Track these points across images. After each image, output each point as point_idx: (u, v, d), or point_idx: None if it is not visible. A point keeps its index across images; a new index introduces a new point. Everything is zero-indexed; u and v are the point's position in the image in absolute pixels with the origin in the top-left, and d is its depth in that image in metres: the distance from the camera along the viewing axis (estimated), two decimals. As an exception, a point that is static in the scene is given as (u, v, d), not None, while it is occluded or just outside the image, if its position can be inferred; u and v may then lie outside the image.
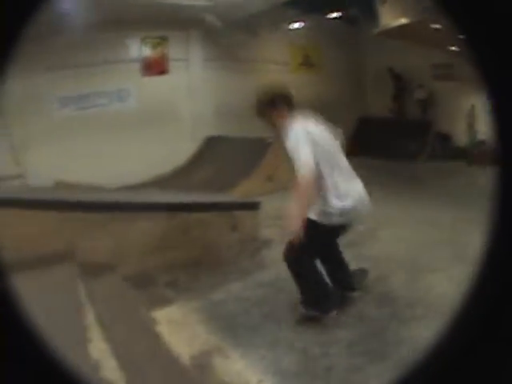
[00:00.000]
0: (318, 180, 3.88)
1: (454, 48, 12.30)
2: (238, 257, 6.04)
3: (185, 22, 12.12)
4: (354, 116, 16.15)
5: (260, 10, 11.89)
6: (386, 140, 14.37)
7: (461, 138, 13.80)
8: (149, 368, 3.10)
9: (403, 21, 10.42)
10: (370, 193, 4.21)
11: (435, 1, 1.33)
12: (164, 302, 4.68)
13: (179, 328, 4.09)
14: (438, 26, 10.23)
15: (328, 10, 13.97)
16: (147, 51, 12.25)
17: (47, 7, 1.58)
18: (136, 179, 10.68)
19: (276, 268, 5.47)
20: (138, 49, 12.19)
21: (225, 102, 13.05)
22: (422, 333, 3.75)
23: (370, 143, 14.19)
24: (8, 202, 5.10)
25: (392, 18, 10.77)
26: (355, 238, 6.11)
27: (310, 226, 3.87)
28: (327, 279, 4.48)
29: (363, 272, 4.97)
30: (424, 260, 5.64)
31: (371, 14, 11.64)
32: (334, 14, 14.25)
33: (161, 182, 11.03)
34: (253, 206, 6.55)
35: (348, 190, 4.03)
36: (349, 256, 4.86)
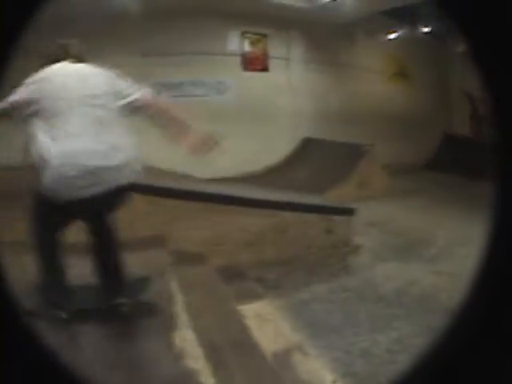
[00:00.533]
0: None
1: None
2: (328, 260, 6.12)
3: (285, 22, 12.10)
4: (438, 132, 15.83)
5: (358, 17, 11.98)
6: (467, 159, 13.97)
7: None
8: (233, 360, 3.10)
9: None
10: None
11: (437, 4, 1.36)
12: (252, 296, 4.72)
13: (264, 323, 4.14)
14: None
15: (420, 23, 13.99)
16: (247, 46, 12.28)
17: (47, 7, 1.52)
18: (226, 173, 10.63)
19: (363, 275, 5.61)
20: (238, 43, 12.21)
21: (322, 106, 13.02)
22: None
23: (452, 160, 13.81)
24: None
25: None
26: (435, 253, 6.30)
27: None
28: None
29: (145, 280, 4.06)
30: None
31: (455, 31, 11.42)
32: (426, 29, 14.21)
33: (251, 180, 10.97)
34: (349, 212, 6.55)
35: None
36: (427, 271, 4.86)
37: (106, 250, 3.54)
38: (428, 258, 6.59)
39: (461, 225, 7.41)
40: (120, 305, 3.47)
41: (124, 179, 3.27)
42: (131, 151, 3.30)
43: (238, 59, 12.35)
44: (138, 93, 3.42)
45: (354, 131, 12.41)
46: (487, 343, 1.20)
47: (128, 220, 4.92)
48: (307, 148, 12.35)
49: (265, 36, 12.50)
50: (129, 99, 3.38)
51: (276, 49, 12.76)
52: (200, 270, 4.86)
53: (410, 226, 8.18)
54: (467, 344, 1.22)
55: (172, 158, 10.24)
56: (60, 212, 3.24)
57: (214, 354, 3.10)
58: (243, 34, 12.24)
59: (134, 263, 4.14)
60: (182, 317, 3.56)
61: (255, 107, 12.12)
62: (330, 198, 8.60)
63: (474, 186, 12.08)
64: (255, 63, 12.45)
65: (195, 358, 3.01)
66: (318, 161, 11.30)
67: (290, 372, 3.40)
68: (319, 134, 12.31)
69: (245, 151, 11.43)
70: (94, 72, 3.43)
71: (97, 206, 3.33)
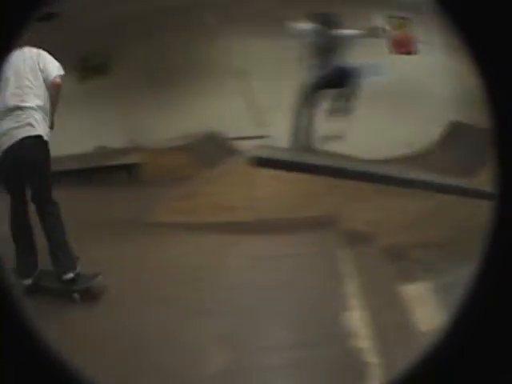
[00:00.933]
0: None
1: None
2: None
3: (426, 4, 11.70)
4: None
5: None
6: None
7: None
8: (395, 341, 3.29)
9: None
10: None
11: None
12: (411, 277, 4.77)
13: (421, 305, 4.17)
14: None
15: None
16: (395, 30, 12.29)
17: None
18: (379, 156, 10.59)
19: None
20: (382, 26, 12.10)
21: (469, 88, 12.43)
22: None
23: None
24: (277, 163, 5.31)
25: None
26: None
27: None
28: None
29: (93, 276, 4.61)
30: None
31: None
32: None
33: (404, 162, 10.95)
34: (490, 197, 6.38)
35: None
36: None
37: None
38: None
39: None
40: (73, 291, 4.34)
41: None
42: None
43: (382, 42, 12.18)
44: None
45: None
46: (486, 344, 1.21)
47: (303, 200, 5.30)
48: (457, 132, 12.13)
49: (409, 20, 12.38)
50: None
51: (422, 33, 12.31)
52: (366, 250, 5.06)
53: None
54: (465, 345, 1.24)
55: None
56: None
57: (379, 334, 3.32)
58: (389, 17, 12.21)
59: (304, 241, 4.70)
60: (352, 298, 3.81)
61: (402, 90, 12.03)
62: (476, 183, 8.48)
63: None
64: (402, 46, 12.43)
65: (362, 338, 3.25)
66: (466, 145, 11.08)
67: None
68: (467, 118, 11.95)
69: (396, 134, 11.48)
70: None
71: None
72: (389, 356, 3.07)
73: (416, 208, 5.88)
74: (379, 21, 12.03)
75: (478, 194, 6.54)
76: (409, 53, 12.36)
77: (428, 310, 4.14)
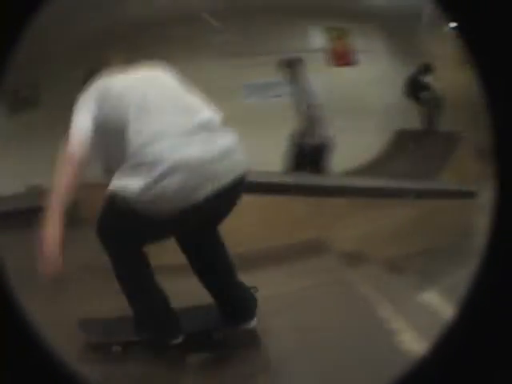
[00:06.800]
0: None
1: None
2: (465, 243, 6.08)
3: (368, 15, 12.16)
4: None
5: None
6: None
7: None
8: None
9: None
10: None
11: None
12: (422, 286, 4.68)
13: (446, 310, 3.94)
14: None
15: None
16: (332, 42, 12.38)
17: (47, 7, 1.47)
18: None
19: None
20: (322, 39, 12.35)
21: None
22: None
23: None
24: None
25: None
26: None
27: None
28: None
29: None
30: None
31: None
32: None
33: (352, 175, 11.15)
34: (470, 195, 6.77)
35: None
36: None
37: (211, 270, 3.23)
38: None
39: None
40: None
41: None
42: None
43: (320, 55, 12.32)
44: None
45: (445, 119, 12.33)
46: (485, 345, 1.23)
47: (286, 225, 5.05)
48: (403, 139, 12.33)
49: (347, 30, 12.53)
50: None
51: (361, 42, 12.75)
52: (369, 268, 4.92)
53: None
54: (465, 346, 1.25)
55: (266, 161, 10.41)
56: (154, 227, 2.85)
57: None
58: (327, 29, 12.37)
59: (306, 270, 4.41)
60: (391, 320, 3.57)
61: (346, 102, 12.04)
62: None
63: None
64: (340, 58, 12.52)
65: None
66: (415, 151, 11.39)
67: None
68: (413, 124, 12.34)
69: (340, 147, 11.28)
70: None
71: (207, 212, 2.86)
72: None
73: (403, 216, 5.88)
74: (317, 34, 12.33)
75: (458, 194, 6.71)
76: (348, 64, 12.45)
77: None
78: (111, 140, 2.86)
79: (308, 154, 7.90)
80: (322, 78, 11.95)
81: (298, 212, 5.18)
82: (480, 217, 6.67)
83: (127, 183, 2.68)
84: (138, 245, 2.97)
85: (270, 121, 11.03)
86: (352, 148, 11.48)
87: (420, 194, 6.29)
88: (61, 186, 2.76)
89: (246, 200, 5.01)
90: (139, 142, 2.69)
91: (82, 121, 2.88)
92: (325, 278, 4.32)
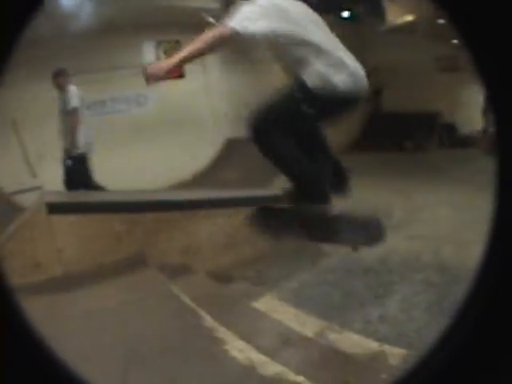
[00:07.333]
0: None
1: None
2: (302, 247, 6.23)
3: (198, 26, 12.13)
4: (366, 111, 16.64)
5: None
6: (395, 134, 14.75)
7: (465, 126, 14.23)
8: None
9: (410, 18, 10.83)
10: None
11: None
12: (254, 294, 4.76)
13: (280, 316, 4.17)
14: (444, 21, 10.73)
15: (338, 9, 14.40)
16: (163, 55, 12.27)
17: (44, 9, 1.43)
18: (157, 185, 10.65)
19: (339, 253, 5.89)
20: (154, 53, 12.29)
21: (241, 104, 13.13)
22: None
23: (381, 138, 14.62)
24: (70, 206, 5.17)
25: (398, 15, 11.18)
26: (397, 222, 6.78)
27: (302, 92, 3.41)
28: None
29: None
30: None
31: (377, 13, 12.13)
32: (345, 14, 14.63)
33: (181, 187, 11.10)
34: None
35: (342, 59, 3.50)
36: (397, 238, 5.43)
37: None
38: (393, 228, 6.98)
39: (411, 194, 8.09)
40: None
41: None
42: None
43: None
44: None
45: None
46: (487, 343, 1.19)
47: (108, 243, 4.94)
48: (232, 148, 12.47)
49: (178, 42, 12.36)
50: None
51: None
52: (195, 279, 4.91)
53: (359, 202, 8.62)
54: (467, 344, 1.21)
55: (102, 178, 10.21)
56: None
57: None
58: (159, 43, 12.34)
59: (131, 285, 4.37)
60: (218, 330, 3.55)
61: (176, 115, 12.18)
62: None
63: (409, 158, 12.99)
64: (171, 71, 12.26)
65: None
66: (245, 159, 11.39)
67: (338, 349, 3.57)
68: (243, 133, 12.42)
69: (172, 160, 11.51)
70: None
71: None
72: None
73: (226, 227, 5.84)
74: (149, 49, 12.25)
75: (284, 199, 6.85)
76: (178, 77, 12.43)
77: (293, 317, 4.19)
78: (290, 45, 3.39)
79: (75, 167, 7.46)
80: (154, 92, 12.04)
81: (115, 228, 5.07)
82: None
83: (332, 77, 3.38)
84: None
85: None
86: (182, 160, 11.75)
87: (249, 202, 6.18)
88: (199, 43, 3.20)
89: (69, 220, 4.88)
90: (329, 48, 3.44)
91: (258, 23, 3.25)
92: (150, 291, 4.27)
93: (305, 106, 3.38)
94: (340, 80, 3.37)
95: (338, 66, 3.42)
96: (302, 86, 3.39)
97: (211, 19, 12.18)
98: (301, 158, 3.60)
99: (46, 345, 1.28)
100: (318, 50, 3.41)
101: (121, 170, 10.47)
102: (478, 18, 1.16)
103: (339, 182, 3.95)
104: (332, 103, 3.45)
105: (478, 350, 1.18)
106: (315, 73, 3.39)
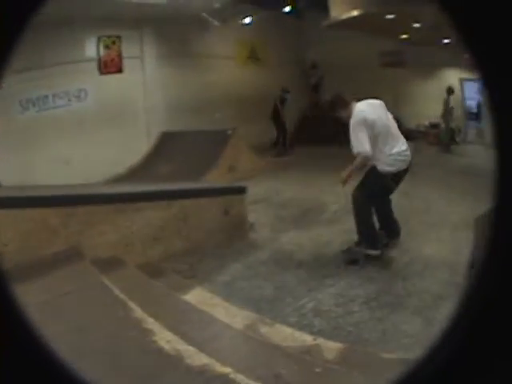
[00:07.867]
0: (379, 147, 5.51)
1: (404, 36, 13.00)
2: (232, 240, 6.41)
3: (138, 20, 12.24)
4: (302, 107, 16.79)
5: (213, 6, 12.29)
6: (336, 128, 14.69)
7: (408, 120, 14.36)
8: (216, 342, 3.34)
9: (355, 13, 10.89)
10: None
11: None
12: (184, 287, 4.76)
13: (213, 308, 4.18)
14: (391, 16, 10.85)
15: (280, 4, 14.57)
16: (103, 50, 12.23)
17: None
18: (97, 179, 10.72)
19: (271, 247, 6.20)
20: (95, 48, 12.17)
21: (178, 98, 13.35)
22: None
23: (321, 133, 14.59)
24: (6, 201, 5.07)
25: (343, 11, 11.24)
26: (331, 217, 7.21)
27: (377, 175, 5.57)
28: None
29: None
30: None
31: (320, 8, 12.19)
32: (287, 9, 14.78)
33: (118, 181, 11.09)
34: (241, 191, 6.95)
35: (396, 145, 5.60)
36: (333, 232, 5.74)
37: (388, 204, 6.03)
38: (327, 222, 7.18)
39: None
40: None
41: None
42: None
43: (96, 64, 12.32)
44: None
45: (214, 118, 13.24)
46: (486, 344, 1.13)
47: (42, 236, 4.83)
48: (168, 141, 12.51)
49: (119, 38, 12.48)
50: None
51: (131, 49, 12.81)
52: (125, 272, 4.88)
53: (293, 198, 8.81)
54: (463, 347, 1.16)
55: (44, 173, 10.07)
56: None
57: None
58: (100, 38, 12.20)
59: (60, 277, 4.33)
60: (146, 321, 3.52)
61: (113, 110, 12.20)
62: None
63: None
64: (110, 66, 12.42)
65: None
66: (181, 152, 11.48)
67: (269, 342, 3.58)
68: (179, 125, 12.62)
69: (111, 153, 11.53)
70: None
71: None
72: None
73: (157, 220, 5.85)
74: (91, 44, 12.15)
75: (230, 191, 6.88)
76: (118, 71, 12.50)
77: (223, 311, 4.21)
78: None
79: None
80: (94, 87, 12.16)
81: (50, 222, 4.99)
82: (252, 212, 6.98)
83: (385, 167, 5.60)
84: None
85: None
86: (119, 154, 11.79)
87: (182, 195, 6.32)
88: (359, 165, 5.57)
89: (12, 214, 4.77)
90: (388, 146, 5.60)
91: (366, 141, 5.41)
92: (85, 283, 4.26)
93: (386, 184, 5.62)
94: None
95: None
96: (378, 173, 5.62)
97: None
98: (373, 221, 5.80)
99: (45, 344, 1.19)
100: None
101: (62, 166, 10.66)
102: (478, 18, 1.06)
103: (394, 234, 6.05)
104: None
105: (477, 351, 1.12)
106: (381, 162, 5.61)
